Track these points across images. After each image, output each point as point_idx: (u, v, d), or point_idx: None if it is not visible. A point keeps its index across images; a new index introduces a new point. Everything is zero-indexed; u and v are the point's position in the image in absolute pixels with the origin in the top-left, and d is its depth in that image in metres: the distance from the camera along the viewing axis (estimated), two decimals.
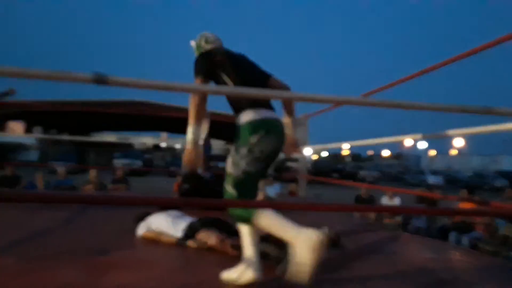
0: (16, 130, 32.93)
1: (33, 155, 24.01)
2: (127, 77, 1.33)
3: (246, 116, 1.99)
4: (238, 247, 2.44)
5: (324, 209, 1.95)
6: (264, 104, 2.03)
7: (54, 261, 2.16)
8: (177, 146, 36.66)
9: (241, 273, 1.98)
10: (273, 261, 2.21)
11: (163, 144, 47.12)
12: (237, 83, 2.04)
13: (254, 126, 1.95)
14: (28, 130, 32.05)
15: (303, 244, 1.77)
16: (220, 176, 4.72)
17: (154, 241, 2.76)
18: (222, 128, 32.97)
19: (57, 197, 2.48)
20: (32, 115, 28.34)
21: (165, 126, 40.00)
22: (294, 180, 7.63)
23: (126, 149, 27.22)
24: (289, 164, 21.73)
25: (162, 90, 1.37)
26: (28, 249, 2.43)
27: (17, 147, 24.59)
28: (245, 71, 2.12)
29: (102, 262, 2.21)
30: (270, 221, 1.89)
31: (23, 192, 3.81)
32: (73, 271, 2.02)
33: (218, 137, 45.95)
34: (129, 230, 3.00)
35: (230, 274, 2.01)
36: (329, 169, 24.65)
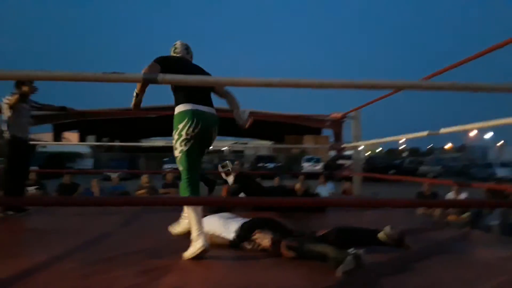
0: (71, 140, 35.02)
1: (88, 163, 25.27)
2: (177, 75, 1.28)
3: (178, 108, 2.46)
4: (294, 248, 2.35)
5: (380, 205, 1.83)
6: (198, 99, 2.43)
7: (114, 264, 2.19)
8: (224, 148, 37.16)
9: (193, 248, 2.38)
10: (332, 262, 2.10)
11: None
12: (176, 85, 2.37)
13: (182, 116, 2.43)
14: (82, 139, 33.95)
15: (196, 245, 2.35)
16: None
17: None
18: (267, 128, 33.08)
19: (113, 201, 2.52)
20: (85, 124, 29.93)
21: None
22: (348, 179, 7.36)
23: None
24: (341, 161, 21.05)
25: (211, 85, 1.31)
26: (89, 253, 2.49)
27: (73, 156, 26.04)
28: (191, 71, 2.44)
29: (158, 264, 2.21)
30: (192, 213, 2.45)
31: (82, 197, 3.97)
32: (131, 274, 2.03)
33: (264, 137, 46.12)
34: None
35: (187, 254, 2.39)
36: (385, 166, 23.30)
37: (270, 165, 23.36)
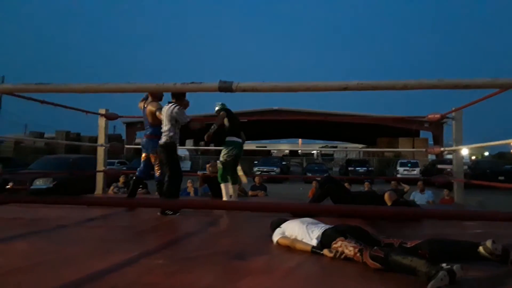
0: None
1: (186, 165, 27.04)
2: (251, 82, 1.28)
3: (229, 138, 4.88)
4: (379, 259, 2.21)
5: (481, 218, 1.62)
6: (237, 134, 4.94)
7: (197, 263, 2.29)
8: (313, 151, 36.94)
9: None
10: (423, 277, 1.93)
11: (299, 150, 47.95)
12: (233, 124, 4.93)
13: (229, 143, 4.85)
14: (182, 143, 36.51)
15: None
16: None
17: (289, 248, 2.71)
18: (358, 130, 31.97)
19: (201, 204, 2.64)
20: (183, 128, 32.04)
21: (300, 132, 40.77)
22: (448, 185, 6.72)
23: (264, 156, 28.50)
24: (440, 166, 19.31)
25: (285, 92, 1.29)
26: (177, 251, 2.64)
27: None
28: (235, 118, 5.00)
29: (239, 266, 2.25)
30: (225, 189, 4.73)
31: (179, 200, 4.25)
32: (213, 274, 2.10)
33: (354, 140, 44.70)
34: (265, 235, 3.03)
35: None
36: (493, 171, 20.61)
37: (361, 169, 22.48)
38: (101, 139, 6.36)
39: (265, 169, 21.16)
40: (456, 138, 5.40)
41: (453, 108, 5.39)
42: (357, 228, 2.63)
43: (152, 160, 4.71)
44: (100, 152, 6.41)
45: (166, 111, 4.29)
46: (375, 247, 2.36)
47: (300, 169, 28.57)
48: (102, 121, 6.35)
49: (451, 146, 5.44)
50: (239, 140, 4.91)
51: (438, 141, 24.87)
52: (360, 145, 44.98)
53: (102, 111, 6.19)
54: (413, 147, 25.50)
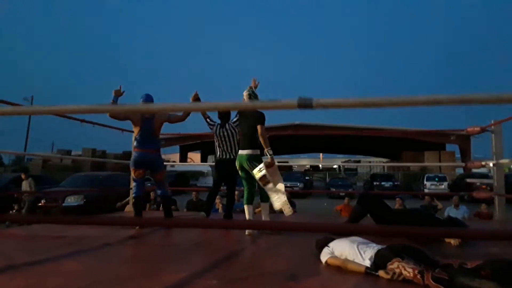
0: (194, 160, 38.10)
1: (209, 181, 27.11)
2: (332, 98, 1.24)
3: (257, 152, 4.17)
4: (443, 282, 2.11)
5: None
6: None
7: (252, 285, 2.24)
8: (335, 166, 36.51)
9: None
10: None
11: (320, 165, 47.48)
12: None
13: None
14: (204, 159, 36.70)
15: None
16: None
17: (340, 269, 2.62)
18: (382, 144, 31.44)
19: (236, 224, 2.59)
20: (206, 145, 32.29)
21: (321, 146, 40.42)
22: (483, 200, 6.49)
23: (286, 172, 28.33)
24: (469, 180, 18.70)
25: (369, 107, 1.24)
26: (225, 271, 2.60)
27: (196, 174, 28.25)
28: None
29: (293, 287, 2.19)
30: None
31: (204, 219, 4.23)
32: None
33: (378, 154, 43.91)
34: (310, 255, 2.95)
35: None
36: None
37: (387, 184, 22.01)
38: None
39: (288, 184, 20.96)
40: (496, 152, 5.27)
41: (493, 121, 5.27)
42: (413, 248, 2.54)
43: (163, 177, 4.59)
44: None
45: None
46: (437, 269, 2.26)
47: (323, 184, 28.26)
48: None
49: (478, 159, 5.26)
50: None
51: (465, 154, 24.21)
52: (383, 159, 44.21)
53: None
54: (440, 161, 24.89)
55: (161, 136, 4.74)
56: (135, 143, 4.36)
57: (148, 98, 4.39)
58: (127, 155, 20.26)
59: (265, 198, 4.24)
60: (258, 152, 4.15)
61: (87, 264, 2.67)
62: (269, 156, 4.03)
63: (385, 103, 1.21)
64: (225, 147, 4.53)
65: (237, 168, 4.23)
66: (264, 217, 4.28)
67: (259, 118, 4.06)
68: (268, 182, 3.96)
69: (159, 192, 4.63)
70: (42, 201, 9.79)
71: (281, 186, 4.15)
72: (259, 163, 4.00)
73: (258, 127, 4.00)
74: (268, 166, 3.97)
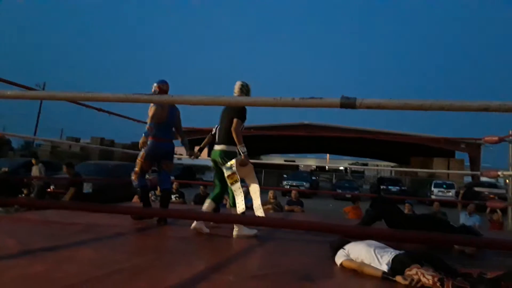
0: (201, 154, 38.18)
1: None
2: (377, 99, 1.20)
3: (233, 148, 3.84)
4: None
5: None
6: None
7: (269, 283, 2.22)
8: (341, 167, 36.36)
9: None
10: None
11: (327, 166, 47.32)
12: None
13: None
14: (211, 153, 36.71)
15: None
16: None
17: (356, 272, 2.59)
18: (391, 148, 31.23)
19: (244, 219, 2.56)
20: (214, 140, 32.30)
21: (329, 147, 40.26)
22: (495, 210, 6.41)
23: (292, 171, 28.27)
24: (478, 189, 18.53)
25: (416, 110, 1.21)
26: (240, 268, 2.59)
27: (202, 168, 28.32)
28: None
29: None
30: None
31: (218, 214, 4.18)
32: None
33: (386, 158, 43.64)
34: (324, 256, 2.93)
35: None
36: None
37: (394, 189, 21.86)
38: None
39: (294, 184, 20.90)
40: None
41: (511, 131, 5.21)
42: (432, 255, 2.50)
43: (172, 168, 4.45)
44: None
45: None
46: (458, 278, 2.23)
47: (329, 185, 28.16)
48: None
49: (487, 169, 5.20)
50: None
51: (475, 163, 23.99)
52: (390, 163, 43.96)
53: None
54: (449, 168, 24.69)
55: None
56: (155, 133, 4.16)
57: (165, 82, 4.31)
58: (135, 145, 20.36)
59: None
60: (234, 149, 3.79)
61: (101, 252, 2.67)
62: (242, 154, 3.72)
63: (432, 106, 1.18)
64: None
65: (212, 164, 3.98)
66: (240, 228, 3.67)
67: (239, 111, 3.74)
68: (235, 181, 3.65)
69: (163, 185, 4.43)
70: (51, 187, 9.85)
71: (255, 188, 3.93)
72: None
73: (234, 120, 3.67)
74: (241, 164, 3.71)
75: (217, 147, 3.87)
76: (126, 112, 5.66)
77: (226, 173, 3.68)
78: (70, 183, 8.14)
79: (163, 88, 4.24)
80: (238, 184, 3.65)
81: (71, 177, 8.30)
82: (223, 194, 4.03)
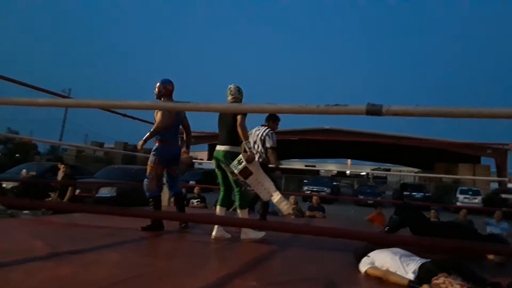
0: None
1: None
2: (404, 106, 1.19)
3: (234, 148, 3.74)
4: None
5: None
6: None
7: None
8: (363, 173, 35.85)
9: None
10: None
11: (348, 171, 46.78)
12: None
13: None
14: None
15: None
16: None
17: (381, 280, 2.55)
18: (414, 154, 30.63)
19: (266, 225, 2.55)
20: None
21: (350, 152, 39.83)
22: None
23: (313, 176, 28.04)
24: (504, 195, 17.94)
25: (445, 117, 1.19)
26: (263, 274, 2.59)
27: None
28: None
29: None
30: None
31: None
32: None
33: (409, 163, 42.77)
34: (347, 262, 2.89)
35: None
36: None
37: (418, 195, 21.37)
38: None
39: (315, 189, 20.70)
40: None
41: None
42: (460, 263, 2.43)
43: (178, 171, 4.37)
44: None
45: (259, 133, 4.43)
46: (487, 287, 2.16)
47: (350, 191, 27.75)
48: None
49: None
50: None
51: (501, 169, 23.23)
52: (414, 169, 43.07)
53: None
54: (474, 174, 24.00)
55: (192, 134, 4.66)
56: (163, 137, 4.05)
57: (170, 82, 4.18)
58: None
59: (244, 204, 3.78)
60: (238, 149, 3.71)
61: (127, 256, 2.72)
62: (247, 149, 3.59)
63: (460, 114, 1.16)
64: (253, 149, 4.22)
65: (214, 166, 3.84)
66: (246, 231, 3.61)
67: None
68: (250, 174, 3.50)
69: (174, 189, 4.33)
70: (77, 191, 10.10)
71: (268, 184, 3.71)
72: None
73: (238, 117, 3.55)
74: (247, 160, 3.52)
75: (220, 148, 3.76)
76: (149, 117, 5.74)
77: (237, 170, 3.52)
78: (67, 183, 8.32)
79: (169, 88, 4.12)
80: (254, 177, 3.54)
81: (67, 177, 8.46)
82: (230, 196, 3.96)
